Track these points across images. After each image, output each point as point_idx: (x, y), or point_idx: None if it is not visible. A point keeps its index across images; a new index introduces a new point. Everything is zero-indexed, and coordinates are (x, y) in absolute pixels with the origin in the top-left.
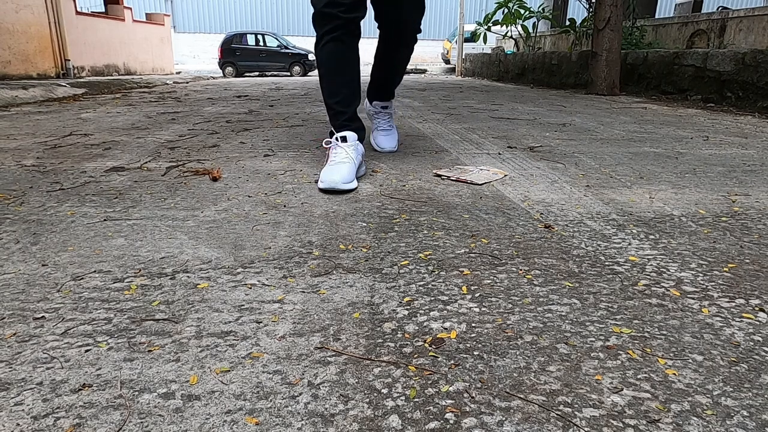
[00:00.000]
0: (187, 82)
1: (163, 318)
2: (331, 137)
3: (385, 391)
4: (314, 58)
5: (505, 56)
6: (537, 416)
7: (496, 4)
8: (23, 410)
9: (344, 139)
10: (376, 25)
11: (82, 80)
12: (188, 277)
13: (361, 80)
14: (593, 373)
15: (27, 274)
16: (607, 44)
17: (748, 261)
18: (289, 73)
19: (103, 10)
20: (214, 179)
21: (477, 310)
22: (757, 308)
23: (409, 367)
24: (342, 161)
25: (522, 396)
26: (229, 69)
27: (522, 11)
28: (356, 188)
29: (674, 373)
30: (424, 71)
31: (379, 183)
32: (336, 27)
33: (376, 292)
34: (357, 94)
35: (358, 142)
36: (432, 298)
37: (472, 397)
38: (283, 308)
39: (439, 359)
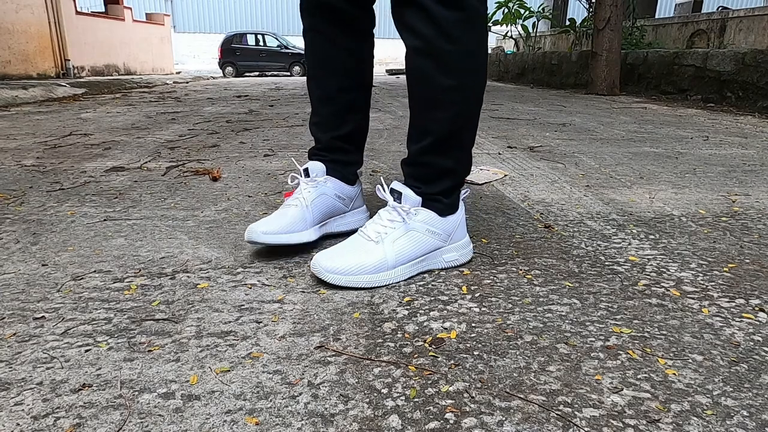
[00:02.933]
0: (187, 82)
1: (163, 318)
2: None
3: (385, 391)
4: None
5: (505, 56)
6: (537, 416)
7: (496, 4)
8: (23, 410)
9: (306, 173)
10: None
11: (82, 80)
12: (188, 277)
13: (364, 97)
14: (593, 373)
15: (27, 274)
16: (607, 44)
17: (748, 261)
18: (289, 73)
19: (103, 10)
20: (214, 179)
21: (477, 310)
22: (757, 308)
23: (409, 367)
24: (288, 204)
25: (522, 396)
26: (229, 69)
27: (522, 11)
28: (301, 243)
29: (674, 373)
30: None
31: (379, 183)
32: (314, 7)
33: (376, 291)
34: (343, 115)
35: (330, 177)
36: (432, 298)
37: (472, 397)
38: (283, 308)
39: (439, 359)
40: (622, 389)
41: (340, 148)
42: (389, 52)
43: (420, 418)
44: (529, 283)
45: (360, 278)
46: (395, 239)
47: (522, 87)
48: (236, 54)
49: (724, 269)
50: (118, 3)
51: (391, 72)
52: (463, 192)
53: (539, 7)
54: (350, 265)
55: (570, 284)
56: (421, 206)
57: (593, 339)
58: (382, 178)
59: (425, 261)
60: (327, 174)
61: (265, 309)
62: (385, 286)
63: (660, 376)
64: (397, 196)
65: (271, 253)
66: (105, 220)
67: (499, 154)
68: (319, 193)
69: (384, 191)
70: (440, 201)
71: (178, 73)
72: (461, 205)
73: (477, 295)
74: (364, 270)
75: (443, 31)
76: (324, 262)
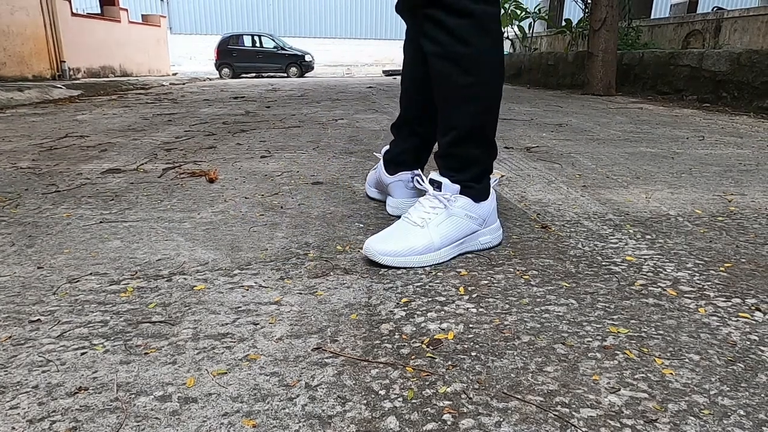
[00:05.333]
0: (184, 84)
1: (160, 320)
2: None
3: (382, 392)
4: (310, 59)
5: None
6: (534, 417)
7: None
8: (19, 414)
9: None
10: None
11: (77, 82)
12: (185, 279)
13: (414, 99)
14: (590, 373)
15: (23, 277)
16: (603, 45)
17: (744, 260)
18: (285, 75)
19: (99, 11)
20: (211, 181)
21: (474, 310)
22: (753, 307)
23: (407, 368)
24: None
25: (519, 397)
26: (226, 70)
27: (518, 12)
28: (369, 198)
29: (671, 373)
30: None
31: (418, 176)
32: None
33: (374, 293)
34: (407, 107)
35: (382, 161)
36: (429, 299)
37: (470, 398)
38: (280, 310)
39: (436, 360)
40: (619, 389)
41: (393, 135)
42: (385, 53)
43: (418, 420)
44: (527, 284)
45: (410, 259)
46: (439, 224)
47: (518, 88)
48: (233, 55)
49: (721, 269)
50: (114, 4)
51: (387, 73)
52: (493, 180)
53: (535, 8)
54: (401, 248)
55: (567, 284)
56: (459, 194)
57: (590, 339)
58: (420, 171)
59: (464, 243)
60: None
61: (262, 311)
62: (383, 285)
63: (657, 376)
64: (436, 185)
65: (269, 254)
66: (101, 222)
67: None
68: (378, 170)
69: (423, 182)
70: (473, 187)
71: (175, 74)
72: (492, 192)
73: (474, 295)
74: (413, 252)
75: (457, 37)
76: (377, 246)
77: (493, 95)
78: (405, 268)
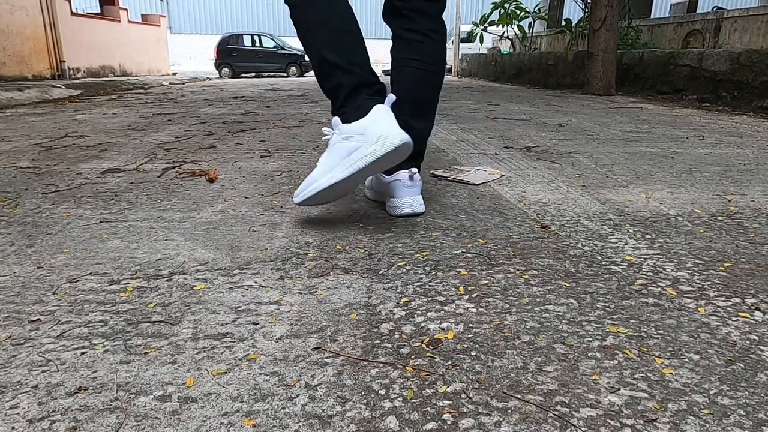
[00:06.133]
0: (184, 83)
1: (160, 320)
2: None
3: (382, 392)
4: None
5: (501, 57)
6: (534, 416)
7: (492, 5)
8: (18, 414)
9: None
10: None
11: (77, 81)
12: (185, 278)
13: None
14: (590, 373)
15: (22, 277)
16: (603, 44)
17: (744, 260)
18: (285, 74)
19: (99, 11)
20: (211, 180)
21: (474, 310)
22: (753, 307)
23: (407, 368)
24: None
25: (519, 396)
26: (226, 70)
27: (518, 12)
28: (368, 200)
29: (671, 373)
30: None
31: None
32: None
33: (373, 293)
34: None
35: None
36: (429, 299)
37: (470, 398)
38: (280, 309)
39: (436, 360)
40: (619, 389)
41: None
42: (385, 52)
43: (417, 419)
44: (526, 284)
45: (304, 192)
46: (324, 157)
47: (518, 87)
48: (233, 55)
49: (720, 268)
50: (113, 4)
51: (387, 72)
52: (388, 100)
53: (535, 8)
54: (299, 188)
55: (567, 284)
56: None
57: (590, 339)
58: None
59: (345, 163)
60: None
61: (262, 310)
62: (383, 285)
63: (657, 376)
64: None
65: (269, 253)
66: (101, 222)
67: (496, 154)
68: None
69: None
70: (344, 112)
71: (175, 74)
72: (375, 109)
73: (474, 295)
74: (303, 185)
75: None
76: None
77: (314, 31)
78: (405, 267)
